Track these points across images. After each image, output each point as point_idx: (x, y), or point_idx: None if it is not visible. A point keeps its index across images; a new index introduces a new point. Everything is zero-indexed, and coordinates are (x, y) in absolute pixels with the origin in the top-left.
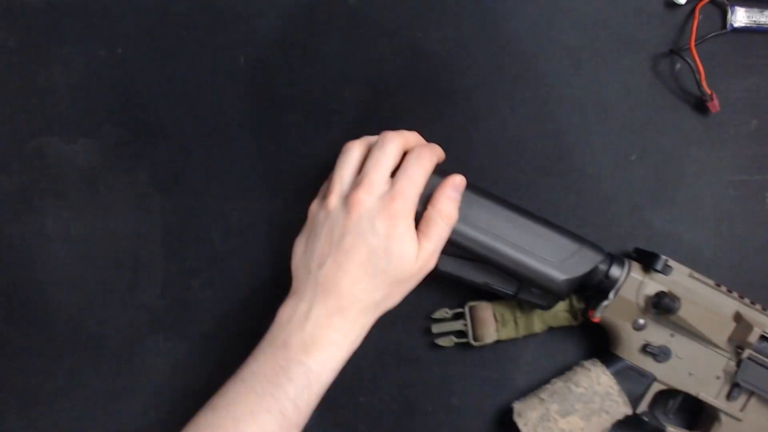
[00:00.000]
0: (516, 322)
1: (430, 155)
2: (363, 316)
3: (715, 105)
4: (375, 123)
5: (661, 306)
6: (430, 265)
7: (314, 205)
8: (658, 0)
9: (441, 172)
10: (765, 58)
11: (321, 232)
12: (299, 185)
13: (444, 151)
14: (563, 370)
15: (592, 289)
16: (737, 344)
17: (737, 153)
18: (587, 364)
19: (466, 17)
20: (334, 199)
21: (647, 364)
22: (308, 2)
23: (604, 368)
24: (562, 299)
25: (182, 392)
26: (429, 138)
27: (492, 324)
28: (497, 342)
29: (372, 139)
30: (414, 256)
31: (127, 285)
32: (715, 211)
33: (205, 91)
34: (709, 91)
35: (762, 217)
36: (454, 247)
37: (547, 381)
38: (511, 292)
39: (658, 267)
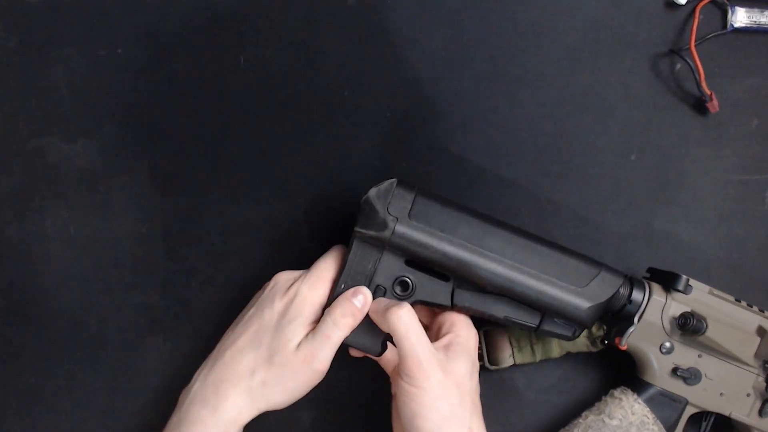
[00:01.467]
0: (533, 348)
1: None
2: (236, 394)
3: (714, 105)
4: (375, 123)
5: (689, 327)
6: (316, 365)
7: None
8: (658, 0)
9: (408, 186)
10: (765, 59)
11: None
12: (299, 185)
13: (444, 151)
14: (566, 382)
15: (614, 314)
16: (764, 359)
17: (737, 153)
18: (617, 393)
19: (466, 17)
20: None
21: (678, 388)
22: (308, 2)
23: (635, 396)
24: (588, 327)
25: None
26: (429, 137)
27: (507, 349)
28: (514, 366)
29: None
30: (295, 344)
31: (127, 285)
32: (714, 211)
33: (205, 91)
34: (708, 92)
35: (762, 217)
36: (471, 282)
37: (547, 380)
38: (533, 325)
39: (680, 287)
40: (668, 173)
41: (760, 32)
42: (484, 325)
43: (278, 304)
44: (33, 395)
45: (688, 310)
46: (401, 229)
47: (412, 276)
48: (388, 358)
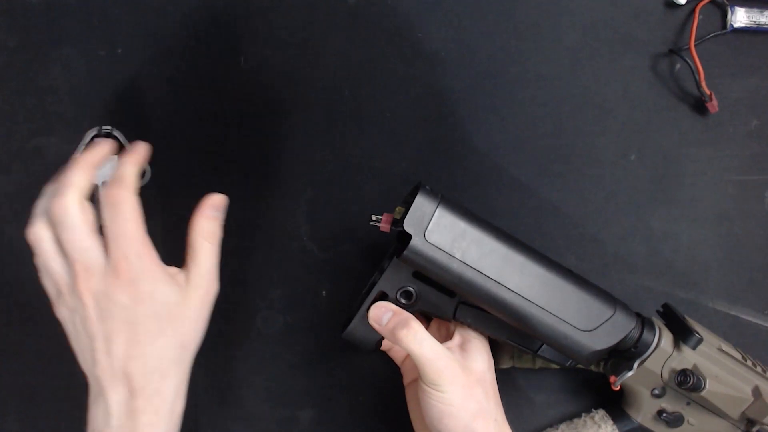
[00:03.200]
0: (533, 357)
1: (125, 195)
2: (167, 378)
3: (714, 105)
4: (375, 123)
5: (686, 385)
6: (213, 286)
7: (55, 308)
8: (658, 0)
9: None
10: (765, 59)
11: (77, 331)
12: (299, 185)
13: (444, 151)
14: (564, 394)
15: (618, 353)
16: (749, 417)
17: (737, 153)
18: (597, 417)
19: (466, 17)
20: (65, 296)
21: (659, 428)
22: (308, 2)
23: (614, 427)
24: (586, 367)
25: None
26: (429, 137)
27: (508, 352)
28: (512, 368)
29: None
30: (179, 294)
31: None
32: (714, 211)
33: (205, 91)
34: (708, 92)
35: (761, 217)
36: (479, 306)
37: (547, 397)
38: (530, 351)
39: (691, 344)
40: (668, 173)
41: (760, 32)
42: None
43: (122, 299)
44: (33, 395)
45: (690, 367)
46: (416, 244)
47: (416, 287)
48: (397, 348)
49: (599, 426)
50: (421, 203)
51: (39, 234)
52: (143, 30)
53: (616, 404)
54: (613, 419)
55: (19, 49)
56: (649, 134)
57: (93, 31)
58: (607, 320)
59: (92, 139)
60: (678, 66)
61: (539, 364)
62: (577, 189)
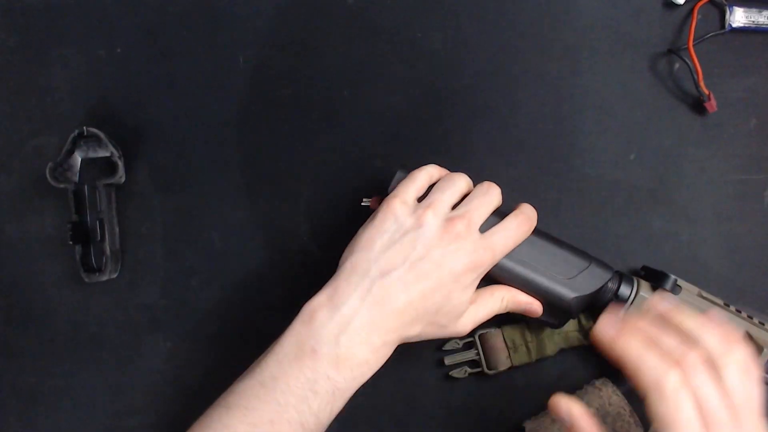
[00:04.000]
0: (528, 347)
1: (496, 198)
2: (394, 342)
3: (712, 105)
4: (375, 123)
5: None
6: (462, 331)
7: (397, 204)
8: (657, 0)
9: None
10: (763, 59)
11: (401, 239)
12: (299, 185)
13: (444, 151)
14: (564, 379)
15: (601, 308)
16: None
17: (736, 153)
18: (598, 383)
19: (465, 17)
20: (432, 215)
21: None
22: (308, 2)
23: (615, 388)
24: (573, 318)
25: (182, 392)
26: (429, 137)
27: (504, 351)
28: (511, 368)
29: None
30: (460, 313)
31: (127, 285)
32: (714, 210)
33: (205, 91)
34: (707, 91)
35: (761, 217)
36: None
37: (548, 386)
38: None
39: (667, 287)
40: (667, 173)
41: (758, 32)
42: (479, 329)
43: (460, 265)
44: (33, 395)
45: None
46: None
47: None
48: None
49: (600, 390)
50: (400, 176)
51: (462, 178)
52: (143, 30)
53: (614, 369)
54: (612, 382)
55: (19, 49)
56: (648, 134)
57: (93, 31)
58: (584, 270)
59: (74, 139)
60: (677, 66)
61: (535, 355)
62: (577, 188)
